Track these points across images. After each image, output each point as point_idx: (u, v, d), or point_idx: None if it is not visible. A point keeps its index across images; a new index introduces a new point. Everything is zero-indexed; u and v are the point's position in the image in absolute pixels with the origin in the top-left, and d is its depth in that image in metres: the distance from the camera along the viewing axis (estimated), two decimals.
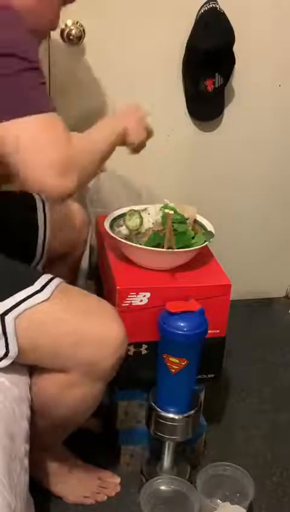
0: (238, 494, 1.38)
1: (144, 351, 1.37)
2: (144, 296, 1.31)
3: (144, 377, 1.39)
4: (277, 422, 1.69)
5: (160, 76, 1.77)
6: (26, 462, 1.08)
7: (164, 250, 1.31)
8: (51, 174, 1.01)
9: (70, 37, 1.62)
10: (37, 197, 1.49)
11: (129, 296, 1.30)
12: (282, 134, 1.96)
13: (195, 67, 1.74)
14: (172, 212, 1.31)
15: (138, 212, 1.40)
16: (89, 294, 1.23)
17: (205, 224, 1.44)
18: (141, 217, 1.39)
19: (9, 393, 1.11)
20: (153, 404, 1.36)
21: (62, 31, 1.62)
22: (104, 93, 1.74)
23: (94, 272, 1.67)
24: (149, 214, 1.41)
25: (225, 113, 1.88)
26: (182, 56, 1.75)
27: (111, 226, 1.41)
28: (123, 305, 1.30)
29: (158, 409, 1.35)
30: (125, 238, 1.37)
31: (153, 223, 1.38)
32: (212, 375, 1.45)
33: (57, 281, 1.17)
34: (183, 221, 1.36)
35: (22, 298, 1.11)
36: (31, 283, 1.13)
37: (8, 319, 1.09)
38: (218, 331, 1.38)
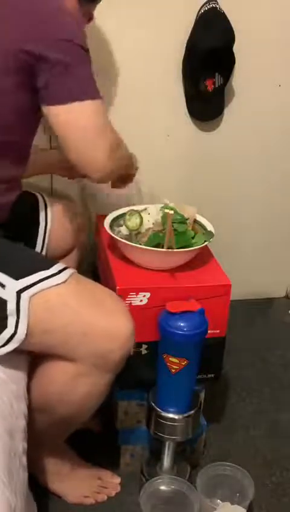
0: (238, 494, 1.38)
1: (144, 351, 1.37)
2: (144, 296, 1.31)
3: (144, 377, 1.39)
4: (277, 422, 1.69)
5: (160, 76, 1.77)
6: (24, 459, 1.08)
7: (164, 250, 1.31)
8: (101, 156, 1.16)
9: None
10: (38, 195, 1.49)
11: (129, 296, 1.30)
12: (282, 134, 1.96)
13: (195, 67, 1.74)
14: (172, 212, 1.32)
15: (138, 212, 1.40)
16: (100, 286, 1.24)
17: (205, 224, 1.44)
18: (141, 217, 1.39)
19: (7, 388, 1.11)
20: (153, 404, 1.36)
21: None
22: (104, 93, 1.73)
23: (94, 272, 1.67)
24: (149, 214, 1.41)
25: (225, 113, 1.88)
26: (182, 56, 1.75)
27: (111, 226, 1.41)
28: None
29: (158, 409, 1.35)
30: (125, 238, 1.37)
31: (153, 223, 1.39)
32: (212, 375, 1.45)
33: (71, 269, 1.19)
34: (183, 221, 1.36)
35: (40, 278, 1.12)
36: (48, 267, 1.15)
37: (24, 296, 1.10)
38: (218, 331, 1.38)
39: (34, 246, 1.45)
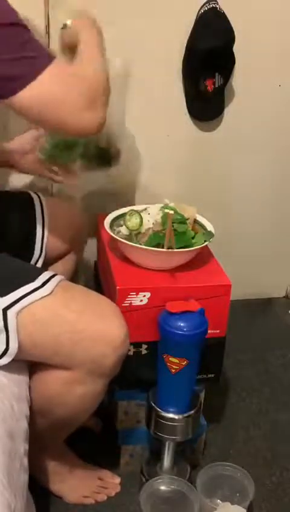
0: (238, 494, 1.38)
1: (144, 351, 1.37)
2: (144, 296, 1.31)
3: (144, 377, 1.39)
4: (277, 422, 1.69)
5: (160, 77, 1.77)
6: (25, 461, 1.08)
7: (164, 250, 1.31)
8: (84, 109, 1.06)
9: None
10: (33, 194, 1.49)
11: (129, 296, 1.30)
12: (282, 135, 1.96)
13: (195, 67, 1.74)
14: (172, 212, 1.32)
15: (138, 212, 1.40)
16: (90, 291, 1.23)
17: (205, 224, 1.44)
18: (141, 217, 1.39)
19: (8, 391, 1.11)
20: (153, 404, 1.36)
21: None
22: None
23: (94, 272, 1.67)
24: (149, 214, 1.41)
25: (225, 113, 1.88)
26: (182, 56, 1.75)
27: (111, 226, 1.41)
28: (123, 305, 1.30)
29: (158, 409, 1.35)
30: (125, 238, 1.37)
31: (153, 223, 1.38)
32: (212, 375, 1.45)
33: (58, 278, 1.17)
34: (183, 221, 1.36)
35: (24, 294, 1.11)
36: (33, 279, 1.14)
37: (10, 313, 1.10)
38: (218, 331, 1.38)
39: (32, 244, 1.45)
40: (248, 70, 1.82)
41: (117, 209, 1.47)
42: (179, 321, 1.26)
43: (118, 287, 1.30)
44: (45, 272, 1.18)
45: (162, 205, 1.42)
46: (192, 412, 1.36)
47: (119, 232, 1.41)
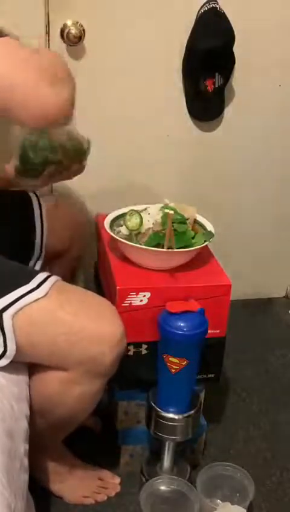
0: (238, 494, 1.38)
1: (144, 351, 1.37)
2: (144, 296, 1.31)
3: (144, 377, 1.39)
4: (277, 422, 1.69)
5: (160, 76, 1.77)
6: (26, 461, 1.08)
7: (164, 250, 1.31)
8: (45, 86, 0.97)
9: (70, 37, 1.62)
10: (32, 194, 1.49)
11: (129, 296, 1.30)
12: (282, 134, 1.96)
13: (195, 67, 1.74)
14: (172, 212, 1.32)
15: (138, 212, 1.40)
16: (85, 291, 1.23)
17: (205, 224, 1.44)
18: (141, 217, 1.39)
19: (7, 391, 1.11)
20: (153, 404, 1.36)
21: (62, 31, 1.61)
22: (105, 93, 1.73)
23: (94, 272, 1.67)
24: (149, 214, 1.41)
25: (225, 113, 1.88)
26: (182, 56, 1.75)
27: (111, 226, 1.41)
28: (123, 305, 1.30)
29: (158, 409, 1.35)
30: (125, 238, 1.37)
31: (153, 223, 1.38)
32: (212, 375, 1.45)
33: (53, 278, 1.17)
34: (183, 221, 1.36)
35: (18, 296, 1.11)
36: (27, 281, 1.14)
37: (6, 316, 1.10)
38: (218, 331, 1.38)
39: (32, 243, 1.45)
40: (248, 70, 1.82)
41: (117, 209, 1.47)
42: (179, 321, 1.26)
43: (118, 287, 1.30)
44: (40, 273, 1.18)
45: (162, 205, 1.42)
46: (192, 412, 1.36)
47: (119, 232, 1.41)
